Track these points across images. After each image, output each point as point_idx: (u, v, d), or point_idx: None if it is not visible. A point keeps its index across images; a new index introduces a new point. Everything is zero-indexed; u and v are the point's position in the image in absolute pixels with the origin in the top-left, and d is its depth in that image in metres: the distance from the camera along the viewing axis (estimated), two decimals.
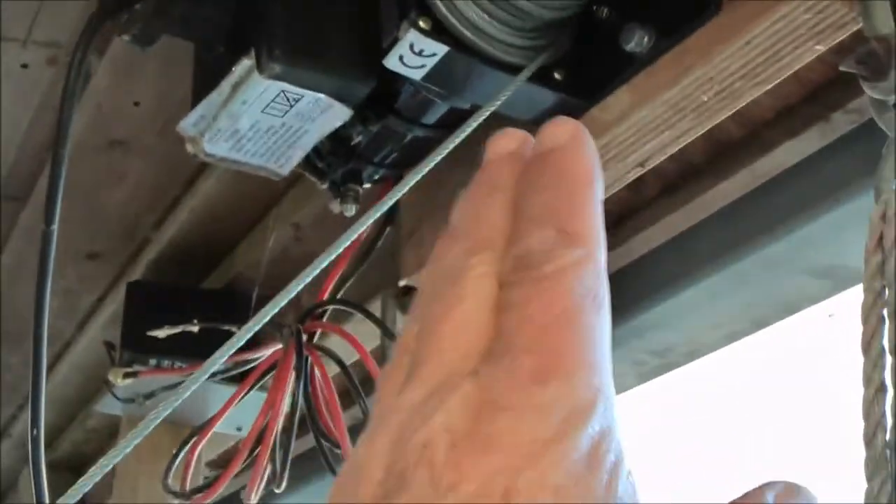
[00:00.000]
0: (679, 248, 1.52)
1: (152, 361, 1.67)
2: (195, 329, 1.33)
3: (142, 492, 1.84)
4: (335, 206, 1.21)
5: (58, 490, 2.55)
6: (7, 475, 2.77)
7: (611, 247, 1.56)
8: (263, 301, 1.58)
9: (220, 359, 0.85)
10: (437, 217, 1.26)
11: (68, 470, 2.57)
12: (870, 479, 0.79)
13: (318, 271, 0.87)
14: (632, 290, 1.60)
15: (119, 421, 2.00)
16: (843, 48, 0.93)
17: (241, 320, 1.53)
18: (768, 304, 1.61)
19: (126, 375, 1.58)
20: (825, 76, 1.30)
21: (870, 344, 0.81)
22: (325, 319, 1.31)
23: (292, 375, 1.23)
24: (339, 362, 1.26)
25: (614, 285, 1.38)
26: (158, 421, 0.78)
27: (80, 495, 0.75)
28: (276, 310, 0.86)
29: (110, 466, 0.75)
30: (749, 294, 1.59)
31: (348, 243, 0.89)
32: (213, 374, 1.53)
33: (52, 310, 2.01)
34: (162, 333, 1.33)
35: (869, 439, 0.79)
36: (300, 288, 0.87)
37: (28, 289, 1.28)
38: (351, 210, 1.20)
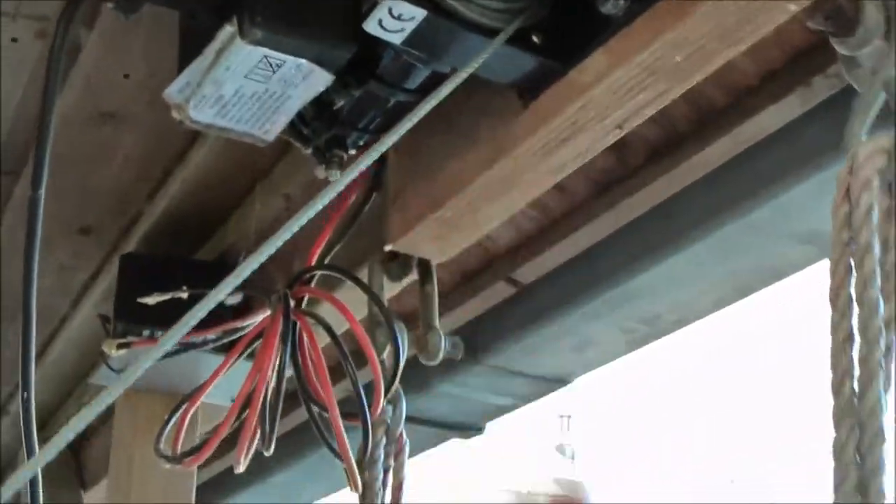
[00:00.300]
0: (664, 216, 1.54)
1: (146, 332, 1.68)
2: (184, 296, 1.34)
3: (137, 462, 1.86)
4: (320, 172, 1.22)
5: (55, 468, 2.55)
6: (7, 452, 2.78)
7: (597, 214, 1.57)
8: (256, 290, 1.59)
9: (187, 326, 0.86)
10: (420, 182, 1.28)
11: (67, 446, 2.58)
12: (837, 426, 0.81)
13: (291, 233, 0.88)
14: (618, 258, 1.62)
15: None
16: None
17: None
18: (753, 271, 1.62)
19: (120, 346, 1.60)
20: (807, 42, 1.31)
21: (837, 294, 0.82)
22: (313, 285, 1.33)
23: (279, 340, 1.25)
24: (327, 327, 1.28)
25: (601, 253, 1.39)
26: (126, 385, 0.79)
27: (55, 453, 0.77)
28: (248, 273, 0.88)
29: (83, 426, 0.76)
30: (734, 261, 1.60)
31: (324, 203, 0.91)
32: (205, 343, 1.55)
33: (47, 287, 2.03)
34: (151, 300, 1.35)
35: (837, 387, 0.81)
36: (274, 249, 0.88)
37: None
38: (336, 175, 1.22)
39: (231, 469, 2.50)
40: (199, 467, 2.42)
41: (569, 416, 10.81)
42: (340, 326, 1.32)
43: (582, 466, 10.88)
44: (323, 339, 1.32)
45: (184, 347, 1.58)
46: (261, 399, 1.23)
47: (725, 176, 1.46)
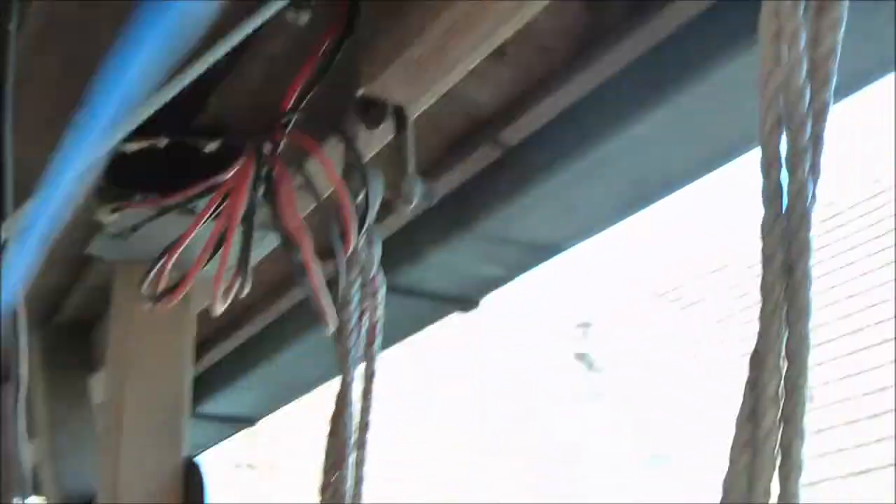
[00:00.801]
0: (643, 70, 1.53)
1: (137, 197, 1.72)
2: (162, 145, 1.37)
3: (135, 334, 1.88)
4: (290, 16, 1.23)
5: (64, 351, 2.55)
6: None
7: (575, 72, 1.58)
8: (234, 139, 1.61)
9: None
10: (391, 27, 1.29)
11: (75, 332, 2.62)
12: (765, 207, 0.82)
13: (210, 62, 0.91)
14: (602, 116, 1.62)
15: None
16: None
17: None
18: (741, 130, 1.62)
19: (113, 210, 1.64)
20: None
21: (766, 83, 0.84)
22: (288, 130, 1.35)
23: (251, 181, 1.27)
24: (298, 166, 1.30)
25: (585, 112, 1.39)
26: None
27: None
28: (158, 104, 0.90)
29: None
30: (720, 118, 1.60)
31: (247, 33, 0.93)
32: (189, 201, 1.58)
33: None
34: (132, 147, 1.37)
35: (766, 171, 0.83)
36: (191, 77, 0.90)
37: None
38: (304, 18, 1.23)
39: (235, 351, 2.55)
40: (204, 351, 2.46)
41: (588, 325, 10.83)
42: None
43: (603, 375, 10.93)
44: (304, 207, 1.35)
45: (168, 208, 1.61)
46: (233, 235, 1.26)
47: (706, 25, 1.45)
